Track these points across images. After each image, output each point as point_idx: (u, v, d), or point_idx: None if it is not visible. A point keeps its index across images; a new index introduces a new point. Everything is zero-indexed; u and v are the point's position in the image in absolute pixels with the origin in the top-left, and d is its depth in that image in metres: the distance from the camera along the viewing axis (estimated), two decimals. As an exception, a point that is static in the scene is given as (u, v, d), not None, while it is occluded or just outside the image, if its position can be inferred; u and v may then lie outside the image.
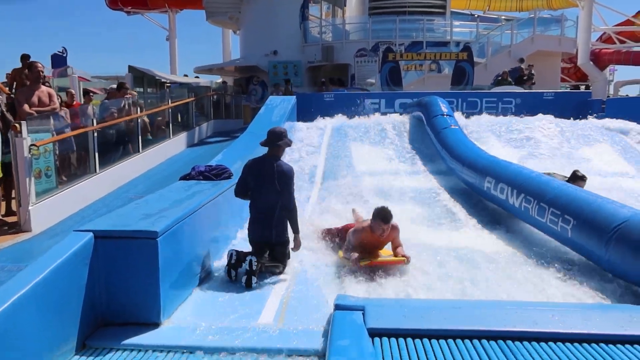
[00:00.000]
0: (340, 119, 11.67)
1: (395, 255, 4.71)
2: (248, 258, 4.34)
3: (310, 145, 9.70)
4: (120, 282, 3.54)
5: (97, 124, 7.80)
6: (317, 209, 6.75)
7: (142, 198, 4.76)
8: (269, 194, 4.57)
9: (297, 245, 4.71)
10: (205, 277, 4.41)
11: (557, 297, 4.03)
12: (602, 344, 2.88)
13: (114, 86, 9.71)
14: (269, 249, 4.63)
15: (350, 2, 22.88)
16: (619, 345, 2.87)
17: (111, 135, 8.45)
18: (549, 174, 7.22)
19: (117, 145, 8.65)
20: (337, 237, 5.24)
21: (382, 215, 4.61)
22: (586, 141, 9.73)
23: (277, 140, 4.65)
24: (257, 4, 20.68)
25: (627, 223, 4.08)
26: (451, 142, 8.28)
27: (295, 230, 4.68)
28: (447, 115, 9.45)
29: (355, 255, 4.56)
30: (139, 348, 3.26)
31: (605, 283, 4.22)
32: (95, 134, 7.59)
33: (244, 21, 22.19)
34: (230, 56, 28.25)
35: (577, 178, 6.20)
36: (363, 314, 3.15)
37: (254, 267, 4.32)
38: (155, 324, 3.51)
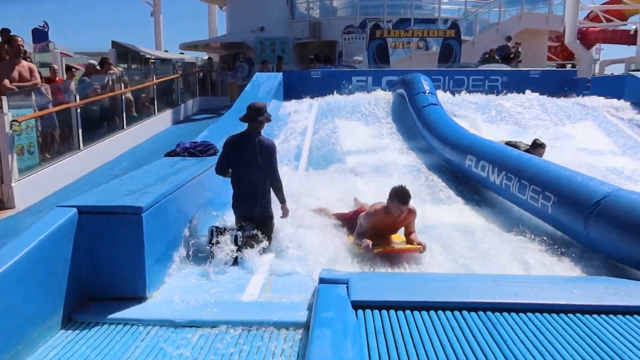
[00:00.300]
0: (327, 96, 11.61)
1: (409, 242, 4.43)
2: (233, 234, 4.38)
3: (296, 122, 9.66)
4: (105, 258, 3.55)
5: (80, 100, 7.67)
6: (303, 188, 6.72)
7: (127, 174, 4.73)
8: (251, 170, 4.58)
9: (285, 213, 4.79)
10: (191, 252, 4.41)
11: (537, 271, 4.13)
12: (578, 314, 2.96)
13: (93, 61, 9.46)
14: (254, 224, 4.67)
15: (338, -21, 22.56)
16: (594, 316, 2.95)
17: (95, 111, 8.33)
18: (509, 142, 7.54)
19: (101, 121, 8.54)
20: (347, 223, 4.92)
21: (401, 196, 4.30)
22: (570, 119, 9.84)
23: (257, 116, 4.64)
24: (244, -22, 20.30)
25: (606, 199, 4.16)
26: (432, 119, 8.28)
27: (282, 200, 4.76)
28: (429, 92, 9.44)
29: (368, 242, 4.26)
30: (124, 322, 3.29)
31: (584, 258, 4.33)
32: (79, 111, 7.47)
33: (230, -4, 21.81)
34: (217, 32, 27.78)
35: (536, 146, 6.59)
36: (347, 287, 3.19)
37: (239, 242, 4.36)
38: (141, 299, 3.54)
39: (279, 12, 19.76)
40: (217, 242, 4.40)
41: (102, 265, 3.55)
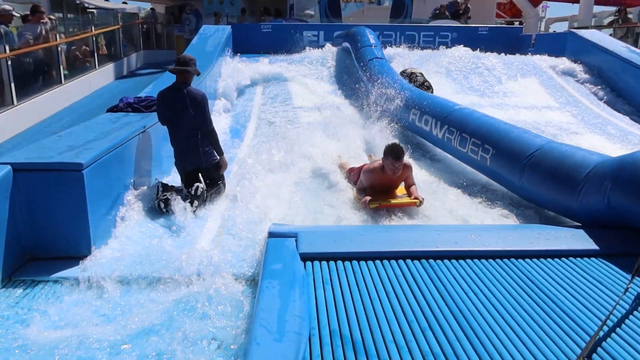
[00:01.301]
0: (277, 52, 11.36)
1: (409, 195, 4.56)
2: (195, 185, 4.43)
3: (245, 78, 9.42)
4: (46, 217, 3.43)
5: (10, 51, 7.14)
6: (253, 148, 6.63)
7: (66, 130, 4.51)
8: (185, 120, 4.56)
9: (223, 166, 4.82)
10: (137, 210, 4.32)
11: (477, 220, 4.34)
12: (512, 259, 3.16)
13: (6, 6, 8.57)
14: (203, 174, 4.70)
15: None
16: (527, 260, 3.16)
17: (28, 64, 7.79)
18: (404, 71, 8.35)
19: (36, 75, 8.01)
20: (356, 176, 4.91)
21: (394, 153, 4.39)
22: (515, 76, 10.10)
23: (184, 66, 4.59)
24: None
25: (539, 151, 4.36)
26: (377, 73, 8.27)
27: (219, 152, 4.78)
28: (374, 46, 9.40)
29: (366, 198, 4.39)
30: (67, 280, 3.23)
31: (519, 207, 4.57)
32: (9, 62, 6.97)
33: (175, -58, 20.51)
34: (161, -19, 26.25)
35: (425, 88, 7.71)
36: (296, 240, 3.25)
37: (199, 192, 4.41)
38: (85, 256, 3.46)
39: (227, -40, 18.83)
40: (164, 198, 4.36)
41: (43, 225, 3.44)
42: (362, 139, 6.45)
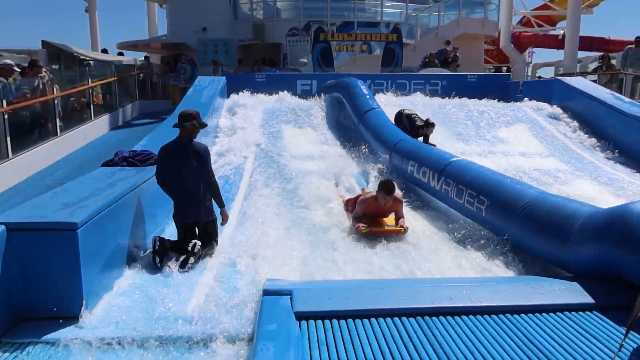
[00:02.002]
0: (272, 101, 11.58)
1: (396, 225, 5.27)
2: (192, 241, 4.45)
3: (241, 127, 9.57)
4: (38, 277, 3.40)
5: (7, 105, 7.24)
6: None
7: (61, 186, 4.53)
8: (189, 174, 4.62)
9: (224, 219, 4.89)
10: (132, 266, 4.31)
11: (473, 271, 4.35)
12: (508, 315, 3.16)
13: (9, 61, 8.76)
14: (200, 228, 4.72)
15: (282, -22, 22.51)
16: (522, 315, 3.15)
17: (25, 117, 7.89)
18: (401, 112, 8.70)
19: (32, 128, 8.09)
20: (352, 206, 5.69)
21: (386, 188, 5.20)
22: (504, 122, 10.32)
23: (183, 122, 4.68)
24: (184, -25, 19.84)
25: (531, 203, 4.44)
26: (374, 125, 8.45)
27: (221, 204, 4.83)
28: (368, 96, 9.62)
29: (359, 225, 5.16)
30: (58, 342, 3.17)
31: (515, 257, 4.59)
32: (6, 117, 7.06)
33: (171, -6, 21.26)
34: (157, 31, 27.00)
35: (429, 125, 8.25)
36: (291, 298, 3.23)
37: (196, 250, 4.41)
38: (77, 317, 3.41)
39: (222, 13, 19.47)
40: (159, 253, 4.34)
41: (36, 285, 3.40)
42: (356, 177, 7.07)
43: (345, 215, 5.90)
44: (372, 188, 6.38)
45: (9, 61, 8.66)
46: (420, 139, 8.43)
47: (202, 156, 4.64)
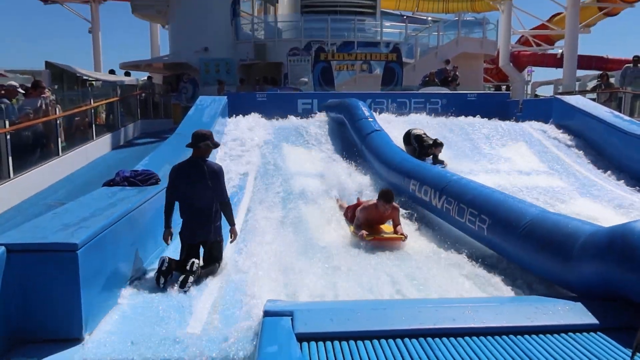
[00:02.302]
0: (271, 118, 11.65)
1: (395, 232, 5.64)
2: (191, 260, 4.42)
3: (242, 146, 9.61)
4: (38, 298, 3.38)
5: (10, 125, 7.29)
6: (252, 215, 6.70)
7: (62, 206, 4.54)
8: (203, 193, 4.65)
9: (234, 236, 4.94)
10: (132, 287, 4.28)
11: (475, 292, 4.31)
12: (511, 336, 3.12)
13: (13, 83, 8.88)
14: (206, 247, 4.72)
15: (283, 0, 22.86)
16: (525, 336, 3.12)
17: (27, 137, 7.93)
18: (409, 132, 8.89)
19: (34, 148, 8.13)
20: (351, 212, 6.15)
21: (386, 197, 5.69)
22: (504, 140, 10.35)
23: (197, 142, 4.74)
24: (187, -3, 20.13)
25: (532, 221, 4.43)
26: (377, 146, 8.52)
27: (232, 223, 4.90)
28: (370, 118, 9.70)
29: (363, 232, 5.54)
30: (57, 366, 3.13)
31: (518, 276, 4.57)
32: (8, 137, 7.10)
33: (173, 15, 21.53)
34: (159, 51, 27.31)
35: (437, 144, 8.45)
36: (292, 319, 3.20)
37: (195, 268, 4.38)
38: (77, 339, 3.38)
39: (224, 33, 19.70)
40: (165, 274, 4.33)
41: (35, 306, 3.38)
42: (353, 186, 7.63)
43: (344, 223, 6.23)
44: (367, 197, 6.79)
45: (13, 83, 8.79)
46: (430, 159, 8.47)
47: (218, 176, 4.71)
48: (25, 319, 3.37)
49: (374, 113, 10.58)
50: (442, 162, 8.64)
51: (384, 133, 9.03)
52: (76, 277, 3.36)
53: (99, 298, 3.73)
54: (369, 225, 5.71)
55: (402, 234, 5.53)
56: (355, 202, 6.65)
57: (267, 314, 3.29)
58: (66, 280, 3.37)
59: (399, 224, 5.76)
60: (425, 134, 8.99)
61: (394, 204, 5.77)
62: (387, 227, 5.84)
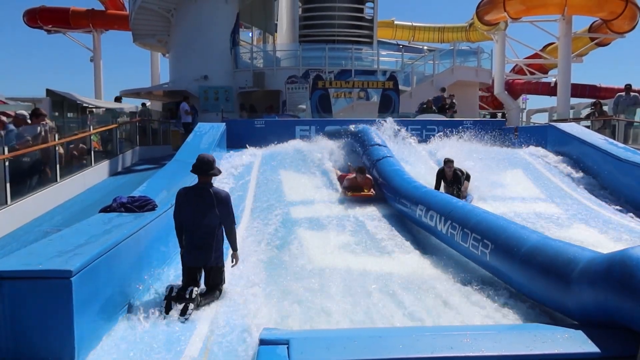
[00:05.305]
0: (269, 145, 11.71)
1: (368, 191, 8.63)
2: (189, 288, 4.39)
3: (240, 173, 9.63)
4: (30, 326, 3.34)
5: (9, 152, 7.30)
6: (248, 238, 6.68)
7: (57, 233, 4.51)
8: (207, 220, 4.64)
9: (236, 260, 4.90)
10: (127, 314, 4.23)
11: (475, 318, 4.28)
12: (510, 365, 3.07)
13: (23, 112, 9.00)
14: (206, 272, 4.69)
15: (281, 29, 23.28)
16: (525, 365, 3.07)
17: (25, 163, 7.94)
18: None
19: (31, 174, 8.13)
20: (342, 179, 9.04)
21: (361, 170, 8.75)
22: (501, 167, 10.39)
23: (208, 170, 4.74)
24: (187, 27, 20.47)
25: (533, 247, 4.43)
26: (387, 172, 8.73)
27: (235, 247, 4.88)
28: (382, 145, 9.85)
29: (345, 192, 8.62)
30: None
31: (519, 302, 4.54)
32: (7, 164, 7.10)
33: (173, 45, 21.89)
34: (159, 79, 27.66)
35: (447, 161, 8.71)
36: (288, 347, 3.15)
37: (194, 296, 4.34)
38: (68, 369, 3.32)
39: (223, 62, 19.99)
40: (176, 300, 4.30)
41: (26, 334, 3.34)
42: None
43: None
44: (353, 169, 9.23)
45: (24, 112, 8.91)
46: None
47: (226, 203, 4.72)
48: (16, 345, 3.33)
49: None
50: (461, 173, 8.66)
51: (394, 160, 9.29)
52: (70, 305, 3.32)
53: (93, 325, 3.68)
54: (352, 189, 8.59)
55: (370, 192, 8.50)
56: (347, 171, 9.56)
57: (262, 342, 3.24)
58: (59, 308, 3.33)
59: (372, 187, 8.67)
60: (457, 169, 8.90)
61: (367, 175, 8.75)
62: (366, 192, 8.62)
